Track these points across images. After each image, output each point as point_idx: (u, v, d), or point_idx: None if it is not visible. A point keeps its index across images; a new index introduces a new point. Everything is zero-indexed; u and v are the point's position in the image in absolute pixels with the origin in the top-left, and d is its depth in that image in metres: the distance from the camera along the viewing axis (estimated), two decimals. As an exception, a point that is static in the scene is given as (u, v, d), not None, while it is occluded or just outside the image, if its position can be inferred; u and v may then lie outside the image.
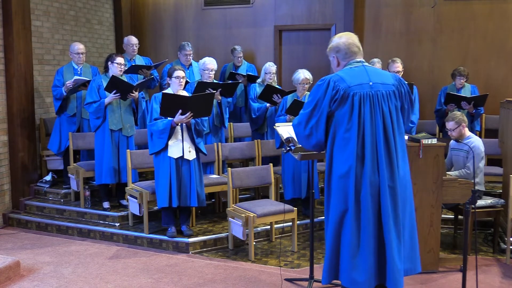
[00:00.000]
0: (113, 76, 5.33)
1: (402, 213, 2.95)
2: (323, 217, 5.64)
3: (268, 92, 5.88)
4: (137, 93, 5.53)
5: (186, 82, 5.75)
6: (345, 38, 3.02)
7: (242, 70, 7.17)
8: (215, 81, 5.90)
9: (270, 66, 6.26)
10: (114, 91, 5.36)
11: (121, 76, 5.56)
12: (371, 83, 2.93)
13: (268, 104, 6.08)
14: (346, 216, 2.92)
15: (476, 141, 4.84)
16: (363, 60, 3.04)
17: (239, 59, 7.20)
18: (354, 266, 2.90)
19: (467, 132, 4.96)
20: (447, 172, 4.75)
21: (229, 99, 6.09)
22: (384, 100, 2.93)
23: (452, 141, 4.98)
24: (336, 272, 3.01)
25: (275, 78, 6.36)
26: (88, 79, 5.85)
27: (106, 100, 5.42)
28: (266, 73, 6.26)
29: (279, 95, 5.83)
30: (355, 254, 2.90)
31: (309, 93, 5.48)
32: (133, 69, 6.23)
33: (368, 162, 2.88)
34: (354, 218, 2.89)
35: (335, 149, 2.96)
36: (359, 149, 2.89)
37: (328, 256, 3.00)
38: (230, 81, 6.79)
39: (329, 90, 2.91)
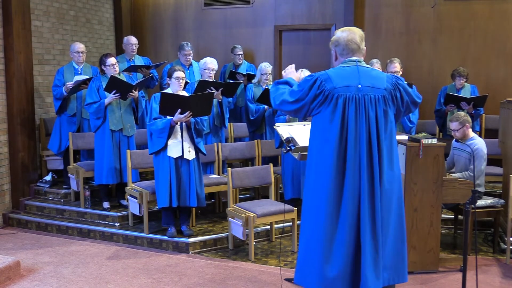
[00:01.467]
0: (112, 76, 5.33)
1: (385, 221, 2.90)
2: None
3: (267, 96, 5.86)
4: (136, 92, 5.53)
5: (186, 83, 5.75)
6: (346, 33, 2.97)
7: (242, 70, 7.17)
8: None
9: (266, 67, 6.24)
10: (113, 91, 5.36)
11: (119, 75, 5.56)
12: (359, 86, 2.88)
13: (266, 106, 6.08)
14: (321, 222, 2.88)
15: (479, 143, 4.82)
16: (360, 59, 2.99)
17: (240, 56, 7.19)
18: (325, 273, 2.84)
19: (471, 133, 4.95)
20: (449, 172, 4.75)
21: (230, 99, 6.08)
22: (372, 104, 2.88)
23: (453, 140, 4.98)
24: (305, 275, 2.98)
25: (271, 78, 6.35)
26: (88, 76, 5.85)
27: (106, 101, 5.42)
28: (262, 73, 6.25)
29: None
30: (327, 260, 2.86)
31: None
32: (132, 69, 6.24)
33: (350, 166, 2.84)
34: (331, 225, 2.85)
35: (316, 150, 2.94)
36: (341, 152, 2.85)
37: (300, 254, 2.99)
38: (231, 81, 6.79)
39: (314, 88, 2.90)
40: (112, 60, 5.48)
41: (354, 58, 2.97)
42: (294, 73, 3.33)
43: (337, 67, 2.99)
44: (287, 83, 3.18)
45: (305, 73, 5.52)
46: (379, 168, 2.86)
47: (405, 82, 3.17)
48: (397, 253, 2.98)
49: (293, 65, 3.41)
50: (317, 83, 2.90)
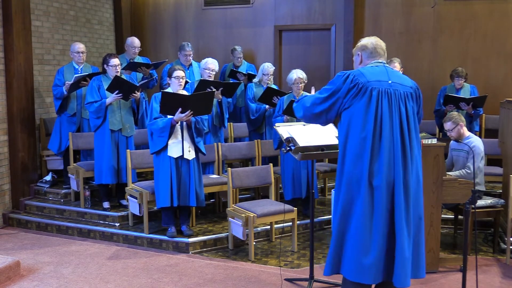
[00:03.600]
0: (116, 76, 5.33)
1: (413, 214, 2.98)
2: (323, 217, 5.66)
3: (268, 95, 5.87)
4: (139, 93, 5.54)
5: (186, 82, 5.75)
6: (374, 40, 3.17)
7: (242, 70, 7.16)
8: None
9: (269, 68, 6.24)
10: (116, 92, 5.36)
11: (120, 75, 5.56)
12: (390, 82, 3.00)
13: (267, 106, 6.08)
14: (356, 210, 2.93)
15: (476, 141, 4.85)
16: (385, 61, 3.14)
17: (239, 59, 7.20)
18: (361, 253, 2.90)
19: (466, 132, 4.96)
20: (447, 172, 4.75)
21: (229, 100, 6.08)
22: (402, 99, 3.00)
23: (452, 141, 4.98)
24: (339, 264, 3.02)
25: (272, 79, 6.35)
26: (87, 73, 5.84)
27: (108, 100, 5.42)
28: (264, 74, 6.24)
29: (278, 97, 5.83)
30: (365, 246, 2.91)
31: (305, 92, 5.50)
32: (131, 66, 6.23)
33: (385, 159, 2.90)
34: (366, 213, 2.90)
35: (349, 148, 2.98)
36: (376, 146, 2.91)
37: (333, 247, 3.02)
38: (232, 81, 6.79)
39: (347, 82, 2.98)
40: (115, 61, 5.49)
41: (380, 60, 3.12)
42: None
43: (366, 66, 3.11)
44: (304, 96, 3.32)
45: (299, 74, 5.52)
46: (411, 160, 2.96)
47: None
48: (416, 249, 3.04)
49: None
50: (350, 77, 2.99)
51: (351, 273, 2.93)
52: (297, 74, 5.50)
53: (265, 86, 6.25)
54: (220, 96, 5.72)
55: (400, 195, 2.90)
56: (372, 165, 2.91)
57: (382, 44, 3.17)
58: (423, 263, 3.07)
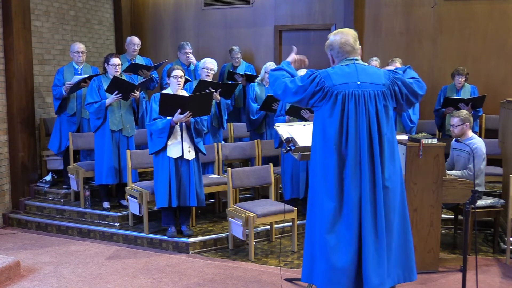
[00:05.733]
0: (115, 77, 5.33)
1: (391, 217, 2.91)
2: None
3: (269, 102, 5.84)
4: (138, 92, 5.53)
5: (187, 81, 5.75)
6: (339, 36, 3.01)
7: (241, 70, 7.17)
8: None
9: (271, 66, 6.24)
10: (115, 92, 5.36)
11: (120, 75, 5.56)
12: (359, 83, 2.93)
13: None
14: (324, 219, 2.91)
15: (478, 143, 4.83)
16: (357, 57, 3.03)
17: (237, 59, 7.20)
18: (332, 270, 2.87)
19: (470, 133, 4.96)
20: (448, 172, 4.75)
21: (228, 101, 6.09)
22: (371, 100, 2.92)
23: (453, 140, 4.98)
24: (312, 273, 3.01)
25: None
26: (87, 75, 5.85)
27: (107, 101, 5.42)
28: (266, 72, 6.24)
29: (277, 103, 5.81)
30: (334, 249, 2.88)
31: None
32: (132, 68, 6.23)
33: (351, 164, 2.87)
34: (335, 222, 2.89)
35: (316, 145, 3.00)
36: (341, 147, 2.89)
37: (305, 255, 3.04)
38: (230, 82, 6.79)
39: (313, 85, 2.96)
40: (116, 60, 5.49)
41: (351, 57, 3.02)
42: (291, 56, 3.39)
43: (336, 66, 3.05)
44: (282, 69, 3.22)
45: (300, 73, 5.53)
46: (381, 163, 2.90)
47: (402, 67, 3.16)
48: (403, 252, 3.00)
49: (295, 49, 3.48)
50: (316, 79, 2.96)
51: (321, 277, 2.92)
52: (301, 72, 5.51)
53: (267, 85, 6.26)
54: (219, 98, 5.72)
55: (367, 201, 2.84)
56: (338, 169, 2.88)
57: (349, 38, 2.99)
58: (413, 264, 3.03)
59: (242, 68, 7.24)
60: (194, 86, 5.68)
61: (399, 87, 3.01)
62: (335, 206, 2.89)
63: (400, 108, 3.08)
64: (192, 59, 6.73)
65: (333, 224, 2.89)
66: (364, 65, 3.03)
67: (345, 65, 3.00)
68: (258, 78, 6.38)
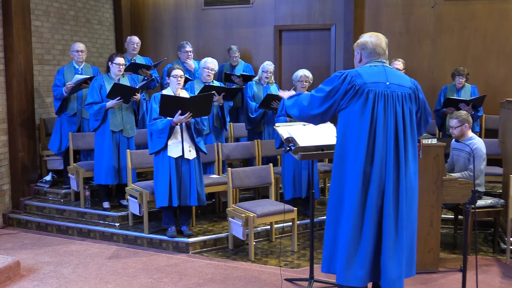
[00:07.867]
0: (115, 83, 5.33)
1: (407, 216, 2.99)
2: (323, 217, 5.65)
3: (268, 101, 5.84)
4: (139, 95, 5.54)
5: (187, 80, 5.75)
6: (374, 38, 3.09)
7: (239, 70, 7.16)
8: (215, 82, 5.89)
9: (268, 65, 6.25)
10: (117, 98, 5.37)
11: (122, 75, 5.56)
12: (387, 83, 2.99)
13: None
14: (348, 211, 2.96)
15: (478, 143, 4.83)
16: (385, 61, 3.10)
17: (235, 58, 7.20)
18: (351, 262, 2.94)
19: (470, 133, 4.95)
20: (450, 174, 4.75)
21: (231, 103, 6.10)
22: (399, 101, 2.99)
23: (453, 140, 4.98)
24: (332, 264, 3.07)
25: (272, 77, 6.35)
26: (89, 75, 5.85)
27: (108, 104, 5.41)
28: (263, 71, 6.25)
29: (277, 101, 5.81)
30: (354, 251, 2.94)
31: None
32: (132, 68, 6.23)
33: (377, 162, 2.92)
34: (359, 216, 2.93)
35: (346, 149, 3.00)
36: (370, 145, 2.93)
37: (326, 248, 3.07)
38: (229, 84, 6.80)
39: (345, 83, 2.98)
40: (120, 60, 5.49)
41: (380, 60, 3.09)
42: (289, 93, 3.47)
43: (364, 66, 3.09)
44: (291, 97, 3.29)
45: (305, 72, 5.54)
46: (405, 162, 2.96)
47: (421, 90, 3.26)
48: (411, 248, 3.06)
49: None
50: (348, 78, 2.98)
51: (340, 276, 2.97)
52: (304, 72, 5.53)
53: (264, 84, 6.26)
54: (222, 101, 5.72)
55: (390, 198, 2.91)
56: (366, 167, 2.93)
57: (383, 42, 3.10)
58: (415, 260, 3.10)
59: (241, 67, 7.23)
60: (194, 86, 5.68)
61: (420, 96, 3.12)
62: (360, 201, 2.93)
63: (419, 118, 3.15)
64: (191, 63, 6.70)
65: (357, 218, 2.94)
66: (391, 68, 3.11)
67: (374, 66, 3.05)
68: (256, 78, 6.38)
